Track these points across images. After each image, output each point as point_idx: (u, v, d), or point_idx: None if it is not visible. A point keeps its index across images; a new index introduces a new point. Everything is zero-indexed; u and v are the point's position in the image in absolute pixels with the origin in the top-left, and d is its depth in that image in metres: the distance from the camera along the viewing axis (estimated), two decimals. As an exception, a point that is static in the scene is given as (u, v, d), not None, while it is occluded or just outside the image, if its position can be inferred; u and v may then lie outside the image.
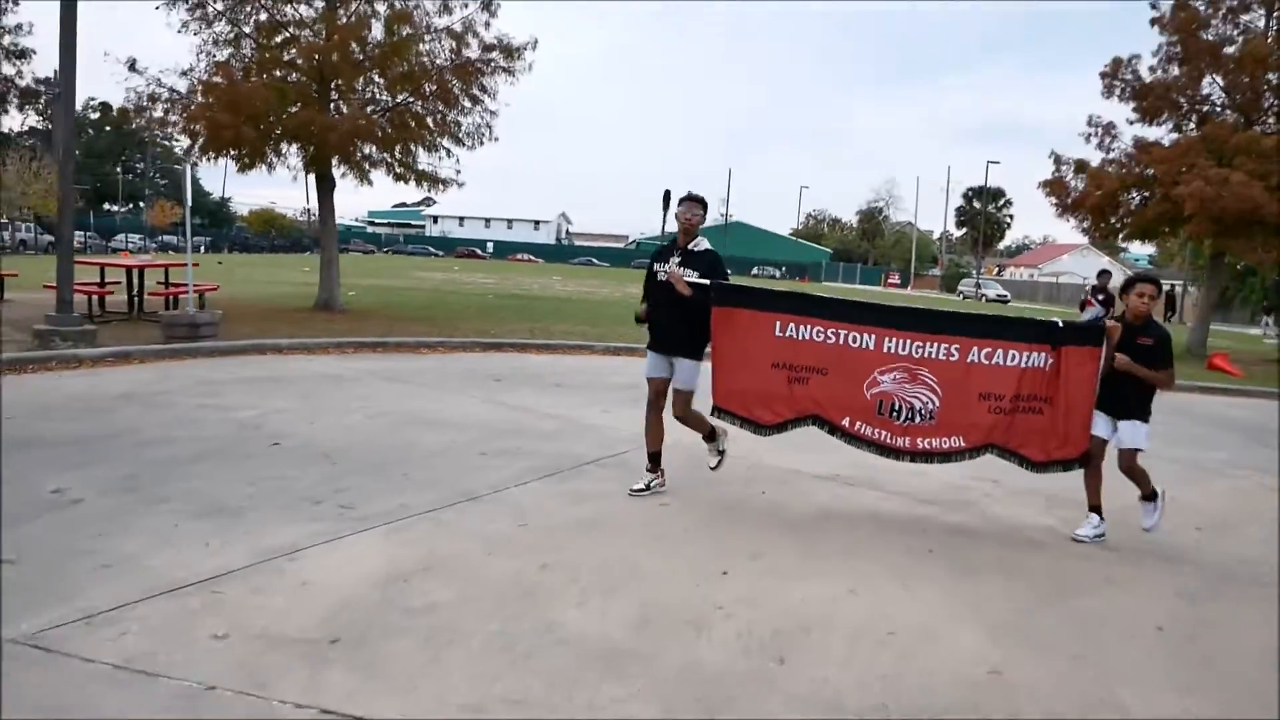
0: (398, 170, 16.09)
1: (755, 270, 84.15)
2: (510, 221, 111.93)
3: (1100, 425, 5.69)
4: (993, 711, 3.34)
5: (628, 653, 3.63)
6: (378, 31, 15.16)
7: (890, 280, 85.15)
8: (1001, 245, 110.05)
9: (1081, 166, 20.25)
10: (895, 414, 5.80)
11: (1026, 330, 5.86)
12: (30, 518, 4.82)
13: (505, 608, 4.00)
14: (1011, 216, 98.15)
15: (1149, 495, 5.77)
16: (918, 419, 5.81)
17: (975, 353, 5.77)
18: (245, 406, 8.20)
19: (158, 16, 15.65)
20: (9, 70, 13.97)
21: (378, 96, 15.99)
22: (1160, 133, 19.80)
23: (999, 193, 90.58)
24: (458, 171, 16.52)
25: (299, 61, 14.87)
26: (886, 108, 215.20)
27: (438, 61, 15.53)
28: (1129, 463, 5.70)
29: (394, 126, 15.28)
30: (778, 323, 5.95)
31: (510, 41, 15.46)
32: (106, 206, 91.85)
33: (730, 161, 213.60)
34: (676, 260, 5.99)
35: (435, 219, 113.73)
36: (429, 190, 16.57)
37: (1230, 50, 18.02)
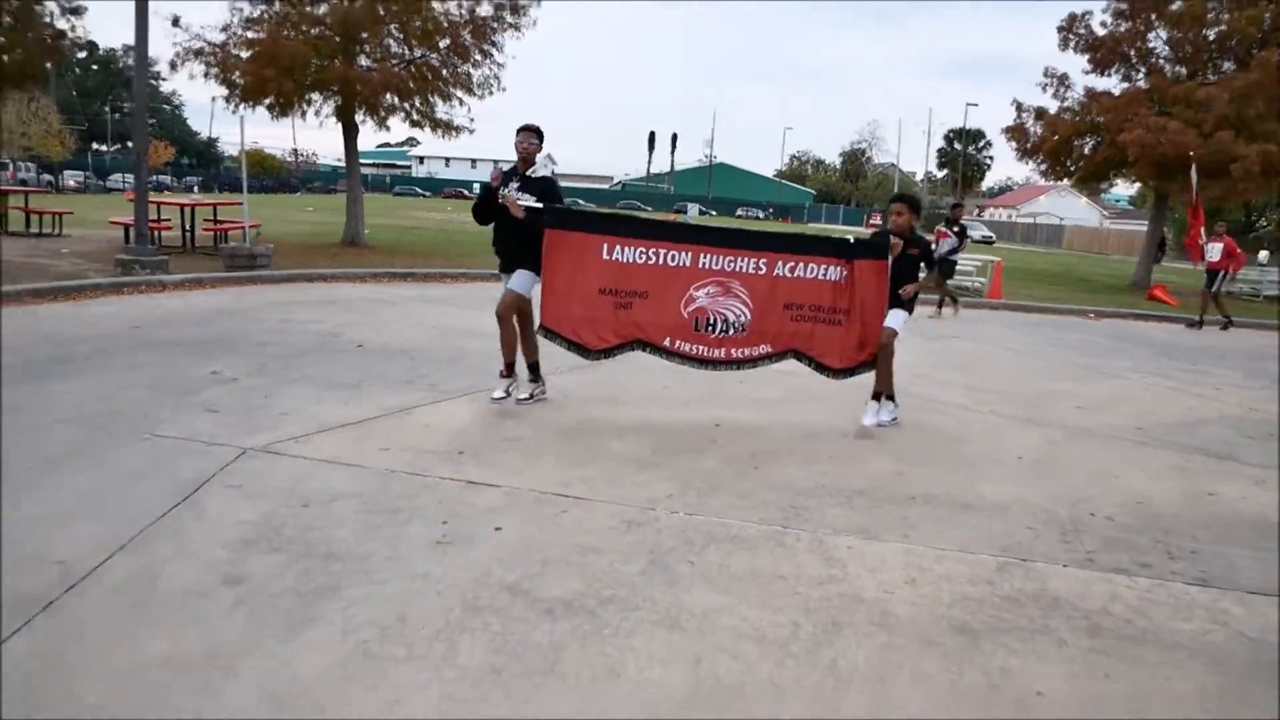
0: (414, 118, 17.66)
1: (740, 211, 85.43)
2: (496, 162, 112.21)
3: (898, 321, 6.61)
4: (890, 490, 5.18)
5: (653, 462, 5.45)
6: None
7: (872, 221, 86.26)
8: (984, 186, 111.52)
9: (1041, 114, 21.95)
10: (710, 328, 6.40)
11: (824, 246, 6.54)
12: (206, 388, 6.58)
13: (567, 439, 5.82)
14: (991, 158, 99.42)
15: (879, 395, 6.76)
16: (731, 331, 6.42)
17: (780, 266, 6.40)
18: (317, 321, 9.93)
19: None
20: (63, 25, 15.22)
21: (394, 50, 17.46)
22: (1112, 83, 21.49)
23: (979, 134, 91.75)
24: (471, 120, 18.13)
25: (328, 20, 16.35)
26: (870, 46, 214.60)
27: (451, 18, 17.00)
28: (887, 339, 6.58)
29: (414, 79, 16.81)
30: (604, 245, 6.35)
31: (518, 0, 16.94)
32: (95, 146, 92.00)
33: (715, 102, 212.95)
34: (515, 186, 6.48)
35: (421, 159, 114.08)
36: (443, 136, 18.13)
37: (1173, 8, 19.60)
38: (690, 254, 6.36)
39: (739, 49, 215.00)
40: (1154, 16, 19.85)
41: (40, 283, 10.93)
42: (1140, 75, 20.93)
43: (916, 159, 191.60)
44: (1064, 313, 16.84)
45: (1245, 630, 3.65)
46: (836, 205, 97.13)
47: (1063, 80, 21.45)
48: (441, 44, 16.94)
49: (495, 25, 16.93)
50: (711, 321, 6.40)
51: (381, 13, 16.17)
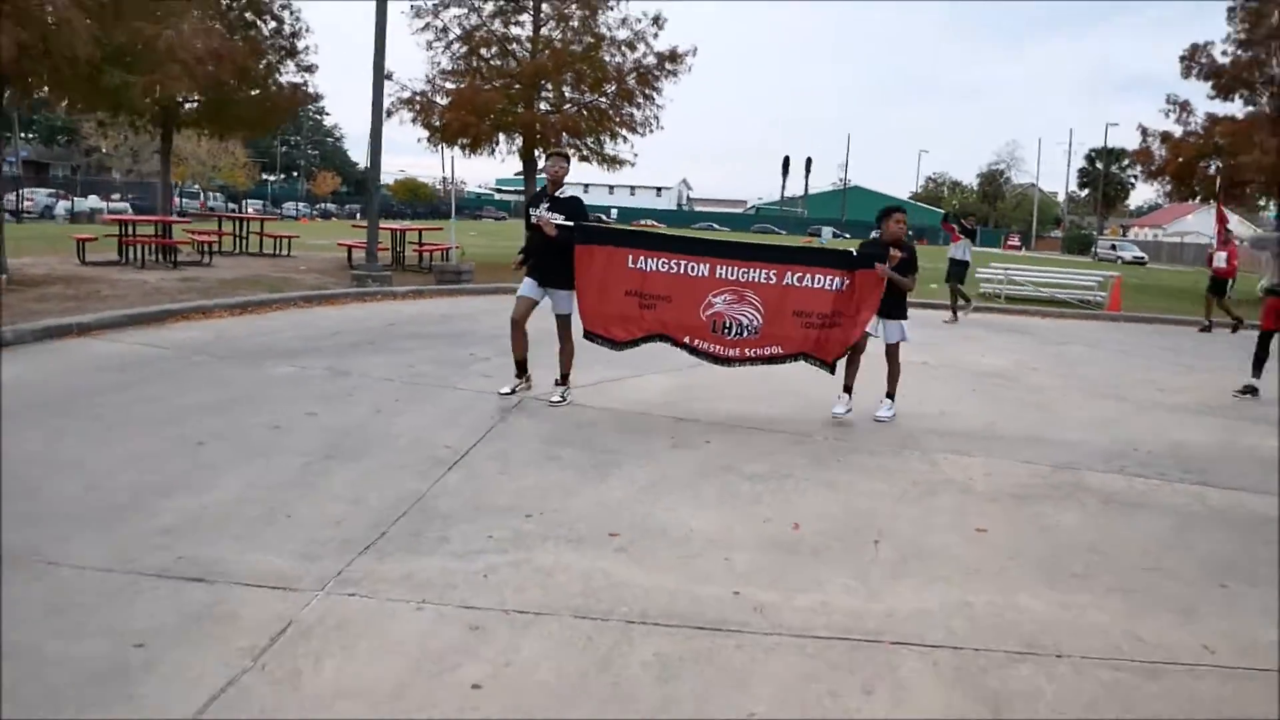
0: (584, 154, 20.17)
1: (874, 233, 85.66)
2: (633, 188, 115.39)
3: (870, 323, 7.16)
4: (982, 433, 7.03)
5: (806, 416, 7.46)
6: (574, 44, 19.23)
7: (1010, 243, 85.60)
8: (1132, 205, 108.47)
9: (1166, 137, 22.98)
10: (726, 330, 7.06)
11: (828, 258, 7.19)
12: (472, 364, 8.91)
13: (741, 400, 7.87)
14: (1136, 177, 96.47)
15: (891, 394, 7.43)
16: (745, 333, 7.06)
17: (789, 276, 6.99)
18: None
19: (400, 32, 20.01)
20: (298, 80, 18.35)
21: (568, 96, 20.05)
22: (1235, 107, 22.38)
23: (1121, 153, 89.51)
24: (635, 155, 20.58)
25: (516, 70, 19.07)
26: (1008, 66, 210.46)
27: (622, 68, 19.48)
28: (894, 354, 7.35)
29: (585, 121, 19.34)
30: (629, 256, 7.06)
31: (677, 49, 19.31)
32: (264, 176, 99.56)
33: (850, 125, 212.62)
34: (545, 206, 7.04)
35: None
36: (608, 170, 20.61)
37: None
38: (708, 265, 7.05)
39: (874, 72, 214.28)
40: (1272, 43, 20.72)
41: (301, 292, 13.72)
42: (1264, 100, 21.77)
43: (1057, 179, 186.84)
44: (1181, 323, 17.94)
45: (1216, 504, 5.45)
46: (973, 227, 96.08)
47: (1184, 106, 22.51)
48: (609, 89, 19.41)
49: (657, 73, 19.33)
50: (727, 325, 7.08)
51: (562, 64, 18.77)
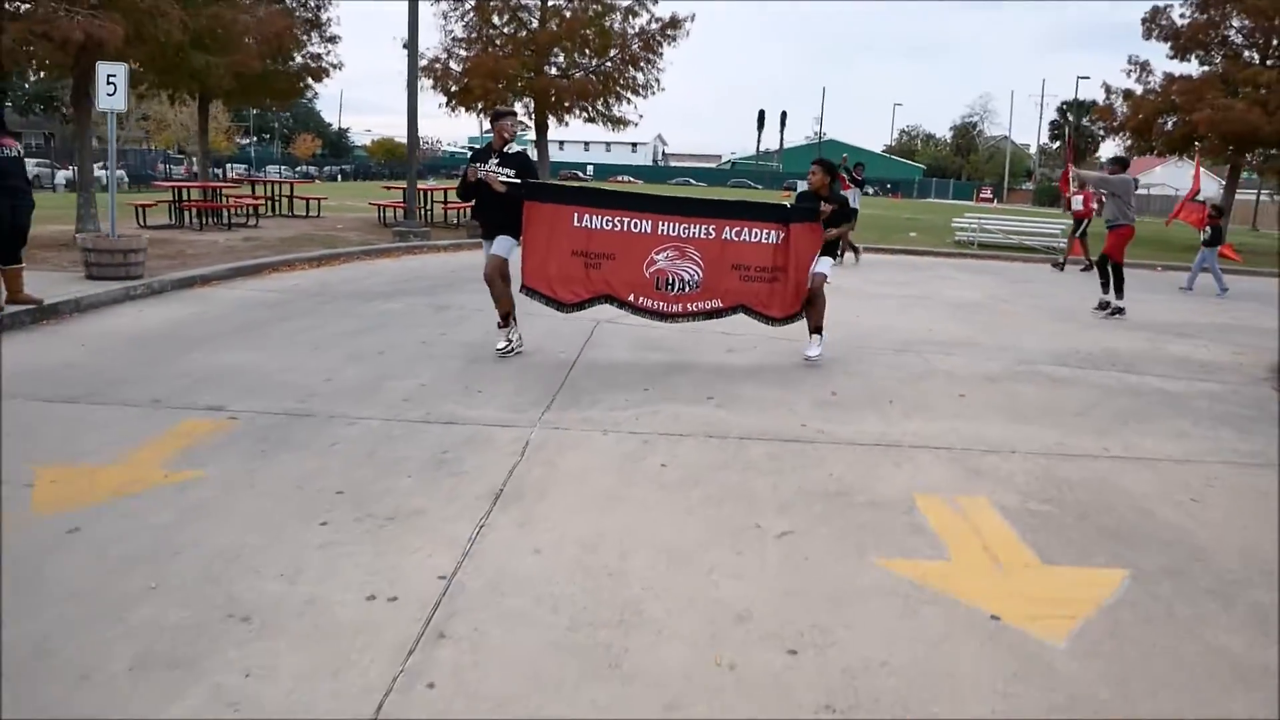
0: (590, 116, 21.90)
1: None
2: (609, 144, 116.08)
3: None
4: (965, 341, 9.02)
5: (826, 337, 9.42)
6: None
7: (982, 195, 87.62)
8: (1103, 157, 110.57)
9: (1128, 95, 25.00)
10: (669, 286, 7.33)
11: (765, 212, 7.53)
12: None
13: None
14: (1105, 130, 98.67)
15: (818, 329, 7.85)
16: (687, 289, 7.37)
17: (728, 231, 7.29)
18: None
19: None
20: (321, 50, 19.89)
21: (577, 61, 21.74)
22: (1192, 67, 24.41)
23: (1091, 106, 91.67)
24: (640, 116, 22.34)
25: (527, 38, 20.73)
26: (982, 17, 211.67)
27: (629, 32, 21.19)
28: (817, 285, 7.66)
29: (595, 86, 21.07)
30: (575, 214, 7.20)
31: (676, 15, 21.05)
32: (240, 140, 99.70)
33: (824, 79, 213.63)
34: (495, 161, 7.11)
35: (536, 143, 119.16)
36: (614, 130, 22.34)
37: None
38: (650, 222, 7.28)
39: (848, 24, 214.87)
40: (1227, 6, 22.64)
41: (358, 247, 15.49)
42: (1218, 60, 23.80)
43: (1029, 131, 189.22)
44: (1135, 266, 20.03)
45: (1131, 383, 7.50)
46: (946, 180, 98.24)
47: (1144, 66, 24.50)
48: (612, 53, 21.13)
49: (660, 38, 21.04)
50: (670, 281, 7.39)
51: (573, 32, 20.46)
